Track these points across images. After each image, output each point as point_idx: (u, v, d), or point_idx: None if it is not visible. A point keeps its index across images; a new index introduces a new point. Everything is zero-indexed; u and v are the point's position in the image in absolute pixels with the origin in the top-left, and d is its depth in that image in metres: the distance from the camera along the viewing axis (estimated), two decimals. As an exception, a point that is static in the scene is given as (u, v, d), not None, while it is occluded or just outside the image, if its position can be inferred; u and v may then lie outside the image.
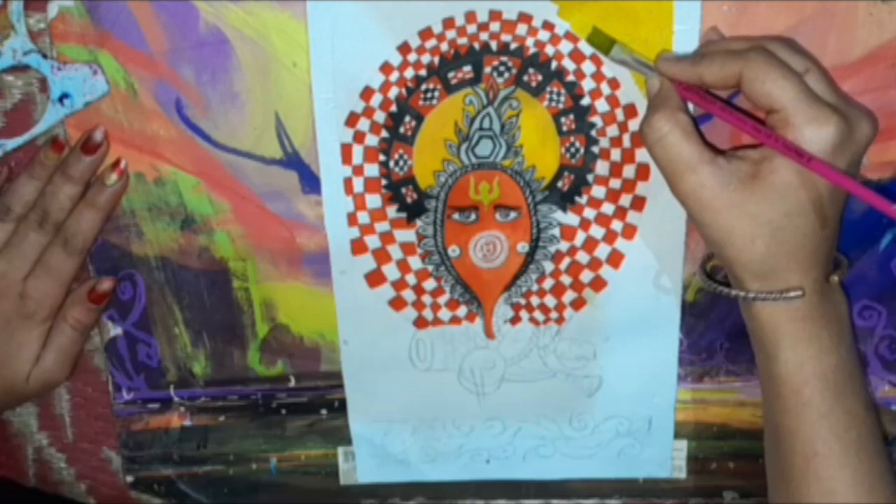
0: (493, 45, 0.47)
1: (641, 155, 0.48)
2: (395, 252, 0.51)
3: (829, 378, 0.44)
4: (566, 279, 0.51)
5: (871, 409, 0.46)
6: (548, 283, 0.51)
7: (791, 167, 0.41)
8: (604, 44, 0.46)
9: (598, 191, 0.49)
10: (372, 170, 0.49)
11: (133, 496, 0.58)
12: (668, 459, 0.55)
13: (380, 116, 0.48)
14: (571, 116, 0.48)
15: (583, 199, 0.50)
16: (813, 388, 0.44)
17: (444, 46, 0.47)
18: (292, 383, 0.55)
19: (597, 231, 0.50)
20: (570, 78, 0.47)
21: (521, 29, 0.46)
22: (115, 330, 0.54)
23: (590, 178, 0.49)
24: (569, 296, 0.52)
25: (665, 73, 0.45)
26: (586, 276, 0.51)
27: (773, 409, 0.46)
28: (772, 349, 0.45)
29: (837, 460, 0.44)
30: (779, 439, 0.46)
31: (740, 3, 0.46)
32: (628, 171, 0.49)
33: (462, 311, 0.52)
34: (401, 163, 0.49)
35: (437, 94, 0.48)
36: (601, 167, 0.49)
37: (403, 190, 0.50)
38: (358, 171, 0.49)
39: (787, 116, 0.41)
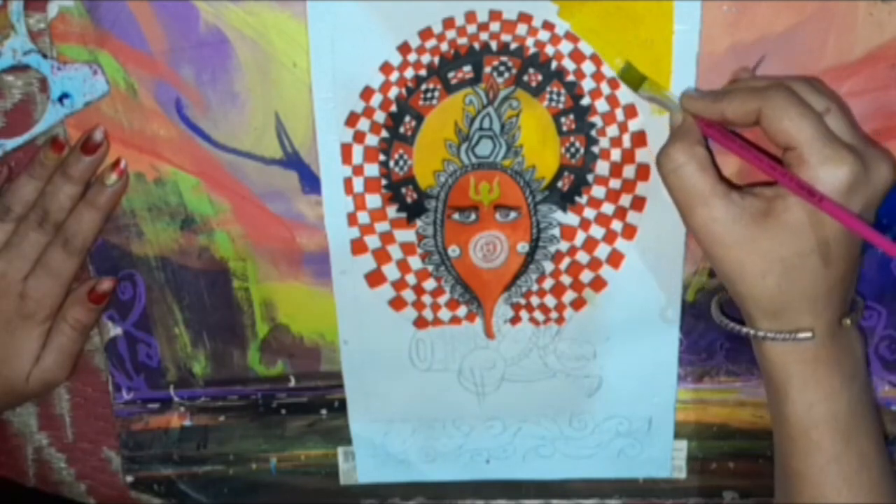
0: (493, 45, 0.47)
1: (641, 155, 0.48)
2: (395, 252, 0.51)
3: (840, 420, 0.44)
4: (566, 279, 0.51)
5: (884, 447, 0.46)
6: (548, 283, 0.51)
7: (804, 207, 0.41)
8: (635, 80, 0.46)
9: (598, 191, 0.49)
10: (372, 170, 0.49)
11: (133, 496, 0.58)
12: (668, 459, 0.55)
13: (380, 116, 0.48)
14: (571, 116, 0.48)
15: (583, 199, 0.50)
16: (822, 431, 0.44)
17: (444, 46, 0.47)
18: (292, 383, 0.55)
19: (597, 231, 0.50)
20: (570, 78, 0.47)
21: (521, 29, 0.46)
22: (115, 330, 0.54)
23: (590, 178, 0.49)
24: (569, 296, 0.52)
25: (688, 109, 0.45)
26: (586, 276, 0.51)
27: (783, 450, 0.46)
28: (781, 390, 0.45)
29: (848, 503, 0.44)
30: (788, 481, 0.46)
31: (740, 3, 0.46)
32: (628, 171, 0.49)
33: (462, 311, 0.52)
34: (401, 163, 0.49)
35: (437, 94, 0.48)
36: (601, 167, 0.49)
37: (403, 190, 0.50)
38: (358, 171, 0.49)
39: (802, 155, 0.41)
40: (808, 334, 0.44)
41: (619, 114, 0.48)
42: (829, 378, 0.44)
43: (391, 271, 0.51)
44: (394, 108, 0.48)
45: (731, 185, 0.44)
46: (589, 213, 0.50)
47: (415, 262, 0.51)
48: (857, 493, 0.44)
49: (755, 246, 0.43)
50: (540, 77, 0.47)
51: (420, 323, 0.52)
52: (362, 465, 0.56)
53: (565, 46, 0.47)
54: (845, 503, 0.44)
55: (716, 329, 0.51)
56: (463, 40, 0.47)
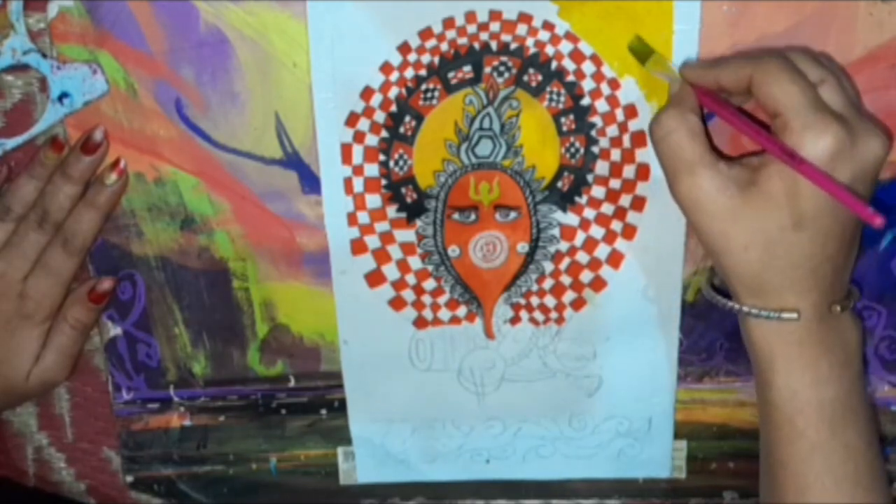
0: (493, 45, 0.47)
1: (641, 155, 0.48)
2: (394, 252, 0.51)
3: (826, 409, 0.43)
4: (566, 279, 0.51)
5: (874, 441, 0.45)
6: (548, 283, 0.51)
7: (788, 177, 0.41)
8: (643, 53, 0.46)
9: (597, 191, 0.49)
10: (372, 170, 0.49)
11: (133, 496, 0.58)
12: (668, 459, 0.55)
13: (380, 116, 0.48)
14: (571, 116, 0.48)
15: (583, 200, 0.50)
16: (807, 418, 0.43)
17: (444, 46, 0.47)
18: (292, 383, 0.55)
19: (597, 231, 0.50)
20: (570, 78, 0.47)
21: (521, 29, 0.46)
22: (114, 330, 0.54)
23: (590, 178, 0.49)
24: (569, 296, 0.52)
25: (685, 76, 0.45)
26: (586, 276, 0.51)
27: (766, 436, 0.45)
28: (765, 373, 0.44)
29: (830, 495, 0.43)
30: (771, 468, 0.45)
31: (740, 3, 0.46)
32: (628, 171, 0.49)
33: (462, 311, 0.52)
34: (401, 163, 0.49)
35: (437, 94, 0.48)
36: (601, 167, 0.49)
37: (403, 190, 0.50)
38: (358, 170, 0.49)
39: (787, 121, 0.41)
40: (793, 315, 0.43)
41: (619, 114, 0.48)
42: (814, 364, 0.43)
43: (391, 271, 0.51)
44: (394, 108, 0.48)
45: (724, 156, 0.44)
46: (589, 213, 0.50)
47: (415, 262, 0.51)
48: (840, 485, 0.43)
49: (738, 217, 0.42)
50: (540, 77, 0.47)
51: (420, 323, 0.52)
52: (362, 465, 0.56)
53: (565, 46, 0.47)
54: (828, 494, 0.43)
55: (716, 329, 0.51)
56: (463, 40, 0.47)
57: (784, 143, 0.40)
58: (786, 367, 0.44)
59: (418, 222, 0.50)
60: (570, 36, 0.47)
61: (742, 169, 0.43)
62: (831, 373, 0.43)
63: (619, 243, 0.50)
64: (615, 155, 0.49)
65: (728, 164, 0.43)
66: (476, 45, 0.47)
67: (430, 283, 0.52)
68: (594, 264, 0.51)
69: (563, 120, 0.48)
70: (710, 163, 0.42)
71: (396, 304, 0.52)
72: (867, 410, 0.45)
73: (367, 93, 0.48)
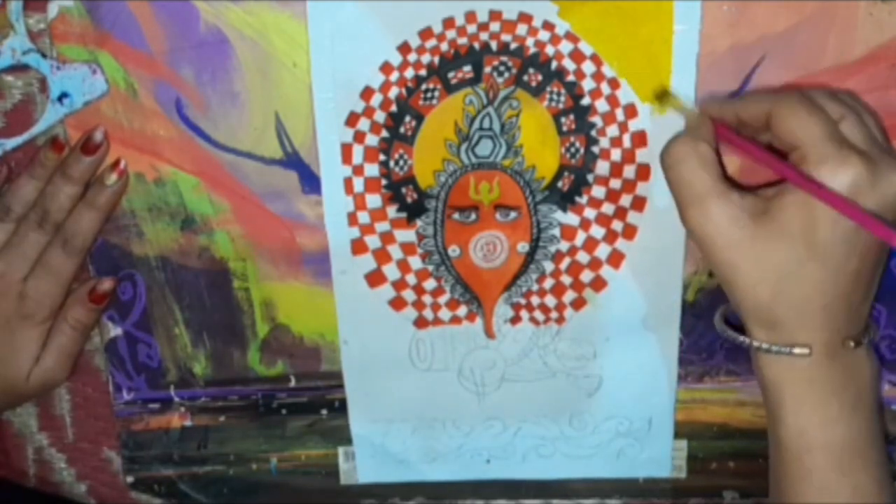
0: (493, 45, 0.47)
1: (641, 155, 0.48)
2: (395, 252, 0.51)
3: (835, 450, 0.42)
4: (566, 279, 0.51)
5: (887, 483, 0.44)
6: (548, 283, 0.51)
7: (804, 207, 0.40)
8: (662, 97, 0.46)
9: (598, 191, 0.49)
10: (372, 170, 0.49)
11: (133, 496, 0.58)
12: (668, 459, 0.55)
13: (380, 116, 0.48)
14: (571, 116, 0.48)
15: (583, 199, 0.50)
16: (815, 458, 0.43)
17: (444, 46, 0.47)
18: (292, 383, 0.55)
19: (597, 231, 0.50)
20: (570, 78, 0.47)
21: (521, 29, 0.46)
22: (115, 330, 0.54)
23: (590, 178, 0.49)
24: (569, 296, 0.52)
25: (706, 111, 0.45)
26: (586, 275, 0.51)
27: (775, 471, 0.45)
28: (775, 409, 0.44)
29: None
30: (780, 501, 0.45)
31: (740, 3, 0.46)
32: (628, 171, 0.49)
33: (462, 310, 0.52)
34: (401, 163, 0.49)
35: (437, 93, 0.48)
36: (601, 167, 0.49)
37: (403, 190, 0.50)
38: (358, 170, 0.49)
39: (805, 154, 0.40)
40: (805, 350, 0.42)
41: (619, 114, 0.48)
42: (826, 402, 0.42)
43: (391, 271, 0.51)
44: (394, 107, 0.48)
45: (738, 186, 0.43)
46: (589, 213, 0.50)
47: (415, 261, 0.51)
48: None
49: (749, 248, 0.41)
50: (540, 77, 0.47)
51: (420, 323, 0.52)
52: (362, 465, 0.56)
53: (565, 46, 0.47)
54: None
55: (716, 329, 0.51)
56: (463, 40, 0.47)
57: (800, 169, 0.40)
58: (795, 405, 0.43)
59: (418, 222, 0.50)
60: (570, 36, 0.47)
61: (756, 199, 0.42)
62: (841, 413, 0.43)
63: (620, 243, 0.50)
64: (615, 155, 0.49)
65: (741, 194, 0.42)
66: (476, 45, 0.47)
67: (430, 283, 0.52)
68: (594, 264, 0.51)
69: (563, 120, 0.48)
70: (722, 193, 0.42)
71: (397, 304, 0.52)
72: (880, 450, 0.44)
73: (367, 93, 0.48)
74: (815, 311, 0.42)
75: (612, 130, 0.48)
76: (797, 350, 0.42)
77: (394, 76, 0.47)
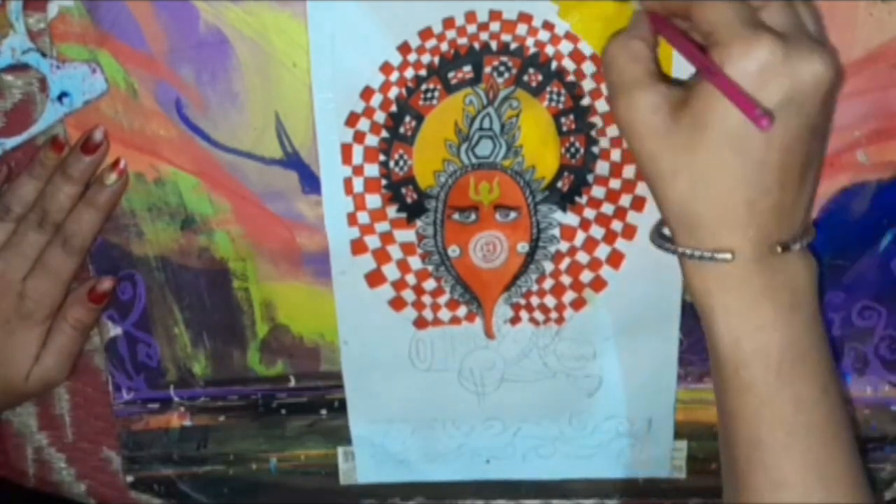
0: (493, 45, 0.47)
1: (641, 155, 0.48)
2: (395, 252, 0.51)
3: (773, 359, 0.40)
4: (566, 279, 0.51)
5: (832, 391, 0.42)
6: (548, 283, 0.51)
7: (717, 94, 0.38)
8: None
9: (597, 191, 0.49)
10: (372, 170, 0.49)
11: (133, 496, 0.58)
12: (668, 459, 0.55)
13: (380, 116, 0.48)
14: (571, 116, 0.48)
15: (583, 200, 0.50)
16: (754, 370, 0.41)
17: (444, 46, 0.47)
18: (292, 383, 0.55)
19: (597, 231, 0.50)
20: (570, 78, 0.47)
21: (521, 29, 0.46)
22: (114, 330, 0.54)
23: (590, 178, 0.49)
24: (569, 296, 0.52)
25: (642, 3, 0.44)
26: (586, 276, 0.51)
27: (716, 387, 0.43)
28: (707, 320, 0.42)
29: (783, 448, 0.41)
30: (724, 420, 0.43)
31: (740, 3, 0.46)
32: (628, 171, 0.49)
33: (462, 311, 0.52)
34: (401, 163, 0.49)
35: (437, 94, 0.48)
36: (601, 167, 0.49)
37: (403, 190, 0.50)
38: (358, 171, 0.49)
39: (718, 38, 0.38)
40: (727, 255, 0.40)
41: (620, 114, 0.48)
42: (756, 308, 0.40)
43: (391, 271, 0.51)
44: (394, 108, 0.48)
45: (674, 81, 0.42)
46: (589, 213, 0.50)
47: (415, 262, 0.51)
48: (793, 438, 0.41)
49: (668, 139, 0.40)
50: (540, 77, 0.47)
51: (420, 323, 0.52)
52: (362, 465, 0.56)
53: (565, 46, 0.47)
54: (780, 447, 0.41)
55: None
56: (463, 40, 0.47)
57: (710, 56, 0.39)
58: (726, 313, 0.41)
59: (418, 222, 0.50)
60: (570, 36, 0.47)
61: (680, 89, 0.41)
62: (777, 318, 0.41)
63: (620, 243, 0.50)
64: (615, 155, 0.49)
65: (669, 86, 0.41)
66: (476, 45, 0.47)
67: (430, 284, 0.52)
68: (594, 264, 0.51)
69: (563, 120, 0.48)
70: (648, 84, 0.41)
71: (396, 304, 0.52)
72: (824, 358, 0.42)
73: (367, 93, 0.48)
74: (738, 208, 0.40)
75: (612, 130, 0.48)
76: (720, 255, 0.40)
77: (394, 76, 0.47)
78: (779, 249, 0.41)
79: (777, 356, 0.41)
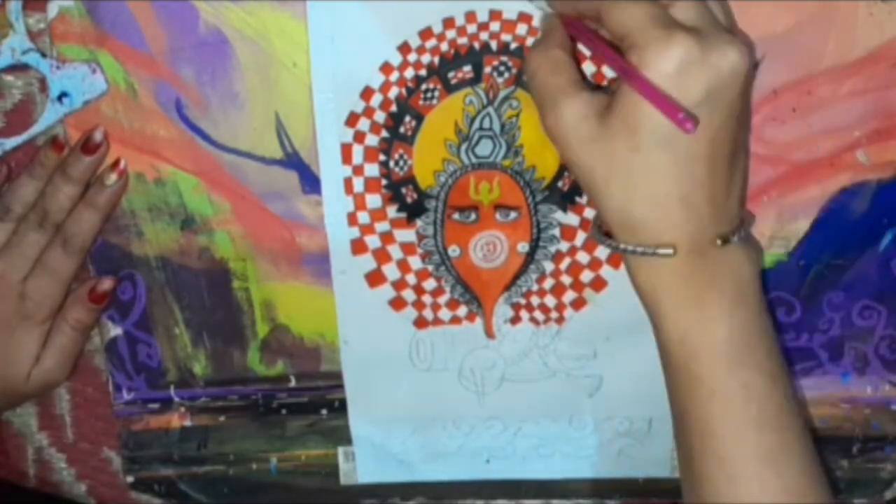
0: (493, 44, 0.47)
1: (641, 155, 0.48)
2: (395, 252, 0.51)
3: (720, 350, 0.41)
4: (566, 279, 0.51)
5: (781, 381, 0.42)
6: (548, 283, 0.51)
7: (636, 96, 0.38)
8: None
9: (598, 191, 0.49)
10: (372, 170, 0.49)
11: (133, 496, 0.58)
12: (668, 459, 0.55)
13: (380, 116, 0.48)
14: (571, 116, 0.48)
15: (583, 199, 0.50)
16: (701, 363, 0.41)
17: (444, 46, 0.47)
18: (292, 383, 0.55)
19: (597, 231, 0.50)
20: (571, 78, 0.47)
21: (521, 29, 0.46)
22: (115, 330, 0.54)
23: (590, 178, 0.49)
24: (569, 296, 0.52)
25: (553, 7, 0.44)
26: (586, 275, 0.51)
27: (667, 383, 0.44)
28: (653, 316, 0.42)
29: (735, 439, 0.41)
30: (676, 415, 0.44)
31: (740, 3, 0.46)
32: (628, 171, 0.49)
33: (462, 310, 0.52)
34: (401, 163, 0.49)
35: (437, 93, 0.48)
36: (601, 167, 0.49)
37: (403, 190, 0.50)
38: (358, 171, 0.49)
39: (633, 41, 0.38)
40: (669, 250, 0.40)
41: (620, 114, 0.48)
42: (700, 301, 0.41)
43: (391, 271, 0.51)
44: (394, 108, 0.48)
45: (594, 87, 0.42)
46: (589, 213, 0.50)
47: (415, 261, 0.51)
48: (743, 428, 0.41)
49: (598, 146, 0.40)
50: (540, 77, 0.47)
51: (420, 323, 0.52)
52: (362, 465, 0.56)
53: (565, 46, 0.47)
54: (731, 439, 0.41)
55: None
56: (463, 40, 0.47)
57: (618, 57, 0.39)
58: (671, 308, 0.41)
59: (418, 222, 0.50)
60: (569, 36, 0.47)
61: (603, 95, 0.41)
62: (721, 310, 0.41)
63: (620, 243, 0.50)
64: (615, 155, 0.49)
65: (592, 94, 0.41)
66: (476, 45, 0.47)
67: (430, 283, 0.52)
68: (594, 264, 0.51)
69: (563, 120, 0.48)
70: (572, 93, 0.41)
71: (397, 304, 0.52)
72: (771, 348, 0.42)
73: (367, 93, 0.48)
74: (673, 205, 0.40)
75: (613, 130, 0.48)
76: (662, 250, 0.40)
77: (394, 76, 0.47)
78: (718, 242, 0.41)
79: (724, 348, 0.41)
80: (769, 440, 0.41)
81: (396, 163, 0.49)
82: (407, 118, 0.48)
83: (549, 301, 0.52)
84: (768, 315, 0.43)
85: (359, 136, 0.49)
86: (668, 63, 0.38)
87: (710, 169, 0.40)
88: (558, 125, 0.41)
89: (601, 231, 0.44)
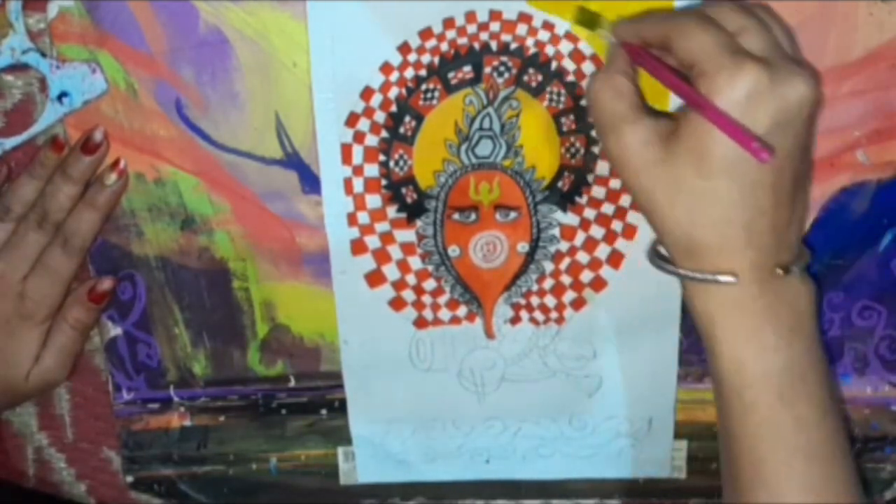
0: (493, 45, 0.47)
1: (641, 155, 0.48)
2: (395, 252, 0.51)
3: (774, 380, 0.41)
4: (566, 279, 0.51)
5: (832, 412, 0.43)
6: (548, 283, 0.51)
7: (705, 123, 0.39)
8: (590, 21, 0.45)
9: (598, 191, 0.49)
10: (372, 170, 0.49)
11: (133, 496, 0.58)
12: (668, 459, 0.55)
13: (380, 116, 0.48)
14: (571, 116, 0.48)
15: (583, 199, 0.50)
16: (756, 391, 0.41)
17: (444, 46, 0.47)
18: (292, 383, 0.55)
19: (597, 231, 0.50)
20: (570, 78, 0.47)
21: (521, 29, 0.46)
22: (114, 330, 0.54)
23: (590, 178, 0.49)
24: (569, 296, 0.52)
25: (617, 35, 0.44)
26: (586, 276, 0.51)
27: (719, 408, 0.44)
28: (710, 343, 0.42)
29: (784, 468, 0.42)
30: (726, 440, 0.44)
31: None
32: (628, 171, 0.49)
33: (462, 311, 0.52)
34: (401, 163, 0.49)
35: (437, 94, 0.48)
36: (601, 167, 0.49)
37: (403, 190, 0.50)
38: (358, 171, 0.49)
39: (702, 69, 0.39)
40: (730, 278, 0.40)
41: (620, 114, 0.48)
42: (759, 331, 0.41)
43: (391, 271, 0.51)
44: (394, 108, 0.48)
45: (656, 112, 0.42)
46: (589, 213, 0.50)
47: (415, 262, 0.51)
48: (793, 458, 0.41)
49: (662, 171, 0.40)
50: (540, 77, 0.47)
51: (420, 323, 0.52)
52: (362, 465, 0.56)
53: (565, 46, 0.47)
54: (782, 468, 0.41)
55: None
56: (463, 40, 0.47)
57: (694, 88, 0.39)
58: (729, 335, 0.42)
59: (418, 222, 0.50)
60: (569, 36, 0.47)
61: (668, 122, 0.41)
62: (778, 341, 0.41)
63: (620, 243, 0.50)
64: (615, 155, 0.49)
65: (656, 118, 0.41)
66: (476, 45, 0.47)
67: (430, 283, 0.52)
68: (594, 264, 0.51)
69: (563, 120, 0.48)
70: (635, 119, 0.41)
71: (396, 304, 0.52)
72: (823, 379, 0.43)
73: (367, 93, 0.48)
74: (736, 232, 0.40)
75: (612, 130, 0.48)
76: (723, 277, 0.41)
77: (394, 76, 0.47)
78: (779, 272, 0.41)
79: (779, 378, 0.41)
80: (818, 471, 0.42)
81: (396, 163, 0.49)
82: (407, 118, 0.48)
83: (549, 301, 0.52)
84: (822, 346, 0.43)
85: (359, 137, 0.49)
86: (738, 91, 0.38)
87: (775, 198, 0.40)
88: (621, 150, 0.41)
89: (658, 255, 0.44)
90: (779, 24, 0.43)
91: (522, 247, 0.51)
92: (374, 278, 0.51)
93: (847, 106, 0.47)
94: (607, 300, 0.51)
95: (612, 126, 0.42)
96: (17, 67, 0.48)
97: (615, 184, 0.49)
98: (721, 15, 0.41)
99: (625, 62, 0.43)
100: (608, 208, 0.50)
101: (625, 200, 0.49)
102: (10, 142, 0.50)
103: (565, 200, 0.50)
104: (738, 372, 0.42)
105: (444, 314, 0.52)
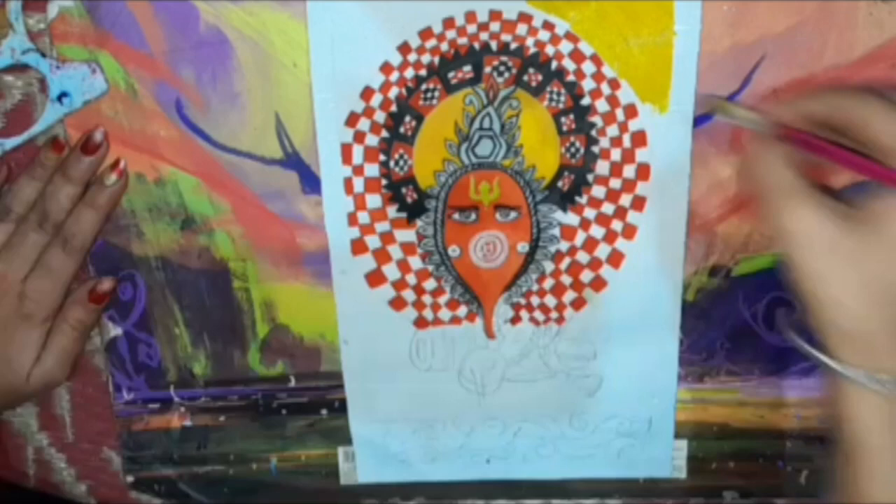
0: (493, 44, 0.47)
1: (641, 155, 0.48)
2: (395, 252, 0.51)
3: None
4: (566, 279, 0.51)
5: None
6: (548, 283, 0.51)
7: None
8: (714, 108, 0.46)
9: (598, 191, 0.49)
10: (372, 170, 0.49)
11: (133, 496, 0.58)
12: (668, 459, 0.55)
13: (380, 116, 0.48)
14: (571, 116, 0.48)
15: (583, 199, 0.50)
16: None
17: (444, 46, 0.47)
18: (292, 383, 0.55)
19: (597, 231, 0.50)
20: (570, 78, 0.47)
21: (521, 29, 0.46)
22: (115, 330, 0.54)
23: (590, 178, 0.49)
24: (569, 296, 0.52)
25: (770, 114, 0.42)
26: (586, 275, 0.51)
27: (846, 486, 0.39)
28: (856, 446, 0.38)
29: None
30: None
31: (740, 3, 0.46)
32: (628, 170, 0.49)
33: (462, 311, 0.52)
34: (401, 163, 0.49)
35: (437, 94, 0.48)
36: (601, 167, 0.49)
37: (403, 190, 0.50)
38: (358, 171, 0.49)
39: None
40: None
41: (620, 114, 0.48)
42: None
43: (391, 271, 0.51)
44: (394, 108, 0.48)
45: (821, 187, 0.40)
46: (589, 212, 0.50)
47: (415, 262, 0.51)
48: None
49: (845, 256, 0.37)
50: (540, 77, 0.47)
51: (420, 323, 0.52)
52: (362, 465, 0.56)
53: (565, 46, 0.47)
54: None
55: (716, 329, 0.51)
56: (463, 40, 0.47)
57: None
58: (881, 445, 0.38)
59: (418, 222, 0.50)
60: (570, 36, 0.47)
61: (843, 204, 0.38)
62: None
63: (620, 243, 0.50)
64: (615, 155, 0.49)
65: (832, 198, 0.39)
66: (476, 45, 0.47)
67: (430, 283, 0.52)
68: (594, 264, 0.51)
69: (563, 120, 0.48)
70: (813, 195, 0.38)
71: (397, 304, 0.52)
72: None
73: (367, 93, 0.48)
74: None
75: (612, 130, 0.48)
76: (886, 376, 0.37)
77: (394, 76, 0.47)
78: None
79: None
80: None
81: (396, 163, 0.49)
82: (407, 118, 0.48)
83: (549, 301, 0.52)
84: None
85: (359, 136, 0.49)
86: None
87: None
88: (798, 226, 0.38)
89: (800, 332, 0.41)
90: None
91: (522, 247, 0.51)
92: (375, 278, 0.51)
93: (847, 106, 0.47)
94: (607, 300, 0.51)
95: (789, 197, 0.38)
96: (17, 68, 0.48)
97: (615, 183, 0.49)
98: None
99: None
100: (608, 208, 0.50)
101: (625, 200, 0.49)
102: (10, 142, 0.50)
103: (565, 200, 0.50)
104: (883, 490, 0.37)
105: (445, 314, 0.52)
